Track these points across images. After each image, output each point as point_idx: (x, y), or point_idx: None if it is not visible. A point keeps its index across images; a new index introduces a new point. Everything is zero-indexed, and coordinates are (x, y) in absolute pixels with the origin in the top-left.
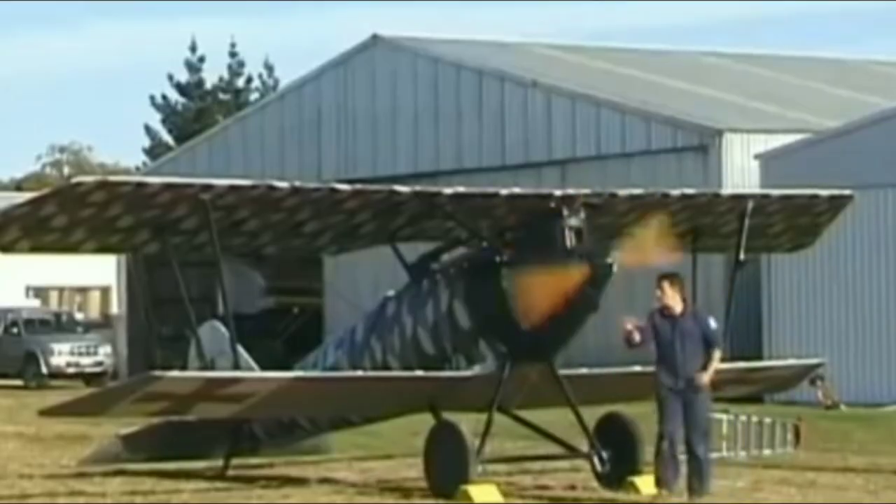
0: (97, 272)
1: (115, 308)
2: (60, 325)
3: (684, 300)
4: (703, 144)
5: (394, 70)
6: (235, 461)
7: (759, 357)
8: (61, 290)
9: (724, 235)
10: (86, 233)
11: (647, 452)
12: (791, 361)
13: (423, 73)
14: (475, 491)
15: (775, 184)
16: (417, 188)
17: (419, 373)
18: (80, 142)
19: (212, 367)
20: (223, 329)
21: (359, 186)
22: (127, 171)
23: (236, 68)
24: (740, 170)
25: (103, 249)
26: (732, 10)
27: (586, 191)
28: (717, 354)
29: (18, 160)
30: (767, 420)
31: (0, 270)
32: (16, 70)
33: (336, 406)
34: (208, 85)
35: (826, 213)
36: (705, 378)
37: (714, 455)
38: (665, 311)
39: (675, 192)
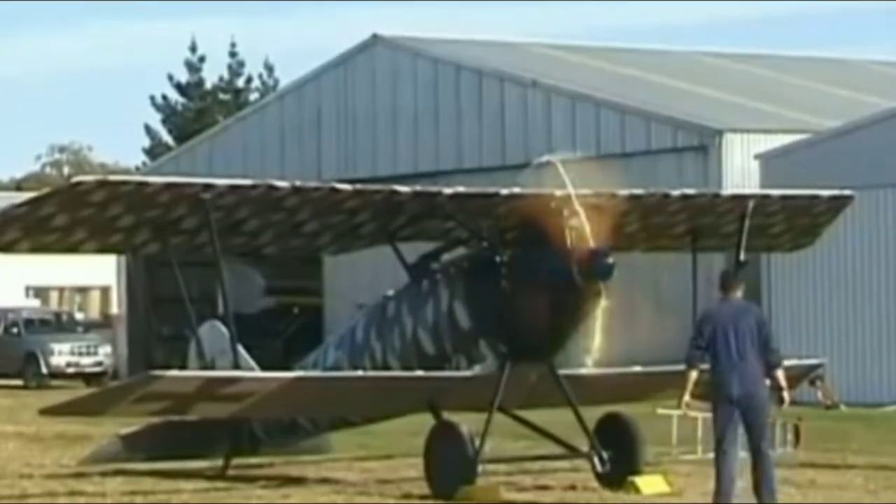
0: (97, 272)
1: (115, 308)
2: (60, 325)
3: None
4: (703, 144)
5: (394, 70)
6: (235, 461)
7: None
8: (61, 290)
9: (724, 235)
10: (86, 233)
11: (648, 452)
12: (791, 362)
13: (423, 73)
14: (475, 491)
15: (775, 184)
16: (418, 188)
17: (419, 373)
18: (80, 142)
19: (212, 367)
20: (223, 329)
21: (359, 186)
22: (127, 171)
23: (236, 68)
24: (740, 170)
25: (104, 249)
26: (732, 10)
27: (586, 191)
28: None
29: (18, 160)
30: (768, 420)
31: (0, 270)
32: (16, 70)
33: (336, 406)
34: (208, 85)
35: (826, 213)
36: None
37: (712, 455)
38: None
39: (676, 192)
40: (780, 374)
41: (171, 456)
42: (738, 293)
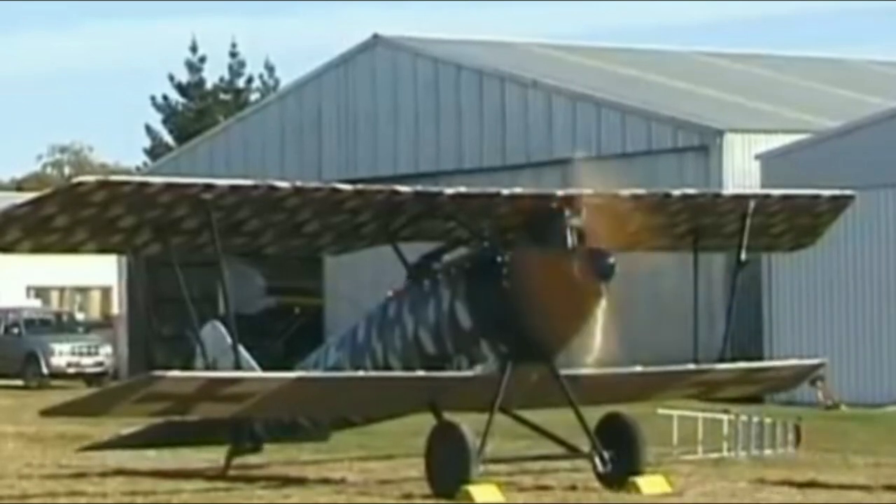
0: (98, 272)
1: (116, 308)
2: (61, 326)
3: None
4: (703, 144)
5: (394, 70)
6: (236, 461)
7: (760, 357)
8: (62, 290)
9: (725, 235)
10: (87, 233)
11: (649, 453)
12: (792, 362)
13: (424, 73)
14: (476, 491)
15: (776, 184)
16: (418, 188)
17: (420, 373)
18: (81, 142)
19: (213, 368)
20: (224, 329)
21: (360, 186)
22: (128, 172)
23: (237, 68)
24: (741, 170)
25: (104, 250)
26: (732, 10)
27: (588, 191)
28: None
29: (19, 160)
30: (768, 420)
31: (1, 270)
32: (16, 70)
33: (337, 406)
34: (209, 85)
35: (827, 213)
36: None
37: (714, 455)
38: None
39: (677, 192)
40: None
41: (172, 442)
42: None
